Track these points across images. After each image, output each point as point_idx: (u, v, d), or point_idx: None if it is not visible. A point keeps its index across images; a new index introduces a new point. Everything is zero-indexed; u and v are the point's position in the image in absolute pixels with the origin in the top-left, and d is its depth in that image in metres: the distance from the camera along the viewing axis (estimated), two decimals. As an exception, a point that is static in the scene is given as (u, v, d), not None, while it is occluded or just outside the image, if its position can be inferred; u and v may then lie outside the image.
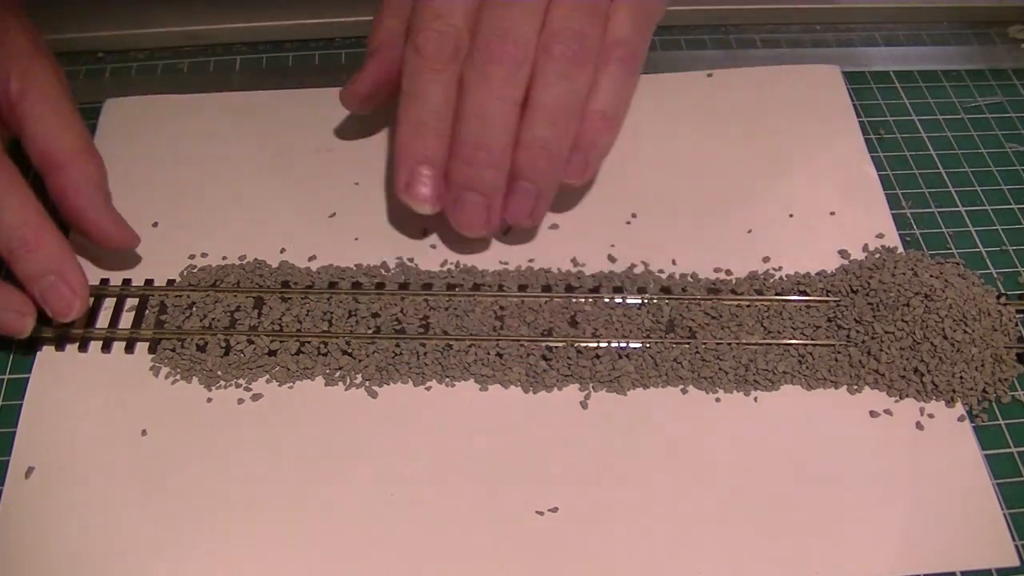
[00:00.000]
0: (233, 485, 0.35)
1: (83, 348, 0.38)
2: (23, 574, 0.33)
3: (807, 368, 0.38)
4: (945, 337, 0.37)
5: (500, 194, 0.38)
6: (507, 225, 0.41)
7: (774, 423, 0.37)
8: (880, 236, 0.43)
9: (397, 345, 0.38)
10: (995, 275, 0.42)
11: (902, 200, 0.45)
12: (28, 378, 0.37)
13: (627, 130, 0.47)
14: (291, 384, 0.38)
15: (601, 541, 0.34)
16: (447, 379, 0.38)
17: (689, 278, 0.41)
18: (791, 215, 0.44)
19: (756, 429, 0.37)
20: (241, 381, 0.37)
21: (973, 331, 0.37)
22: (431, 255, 0.42)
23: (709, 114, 0.48)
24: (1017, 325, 0.39)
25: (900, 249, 0.42)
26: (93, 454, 0.35)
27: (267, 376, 0.38)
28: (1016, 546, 0.34)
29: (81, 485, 0.35)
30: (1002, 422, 0.37)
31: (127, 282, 0.40)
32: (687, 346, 0.38)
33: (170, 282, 0.40)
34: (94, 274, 0.40)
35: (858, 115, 0.49)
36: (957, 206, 0.45)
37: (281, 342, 0.38)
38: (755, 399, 0.38)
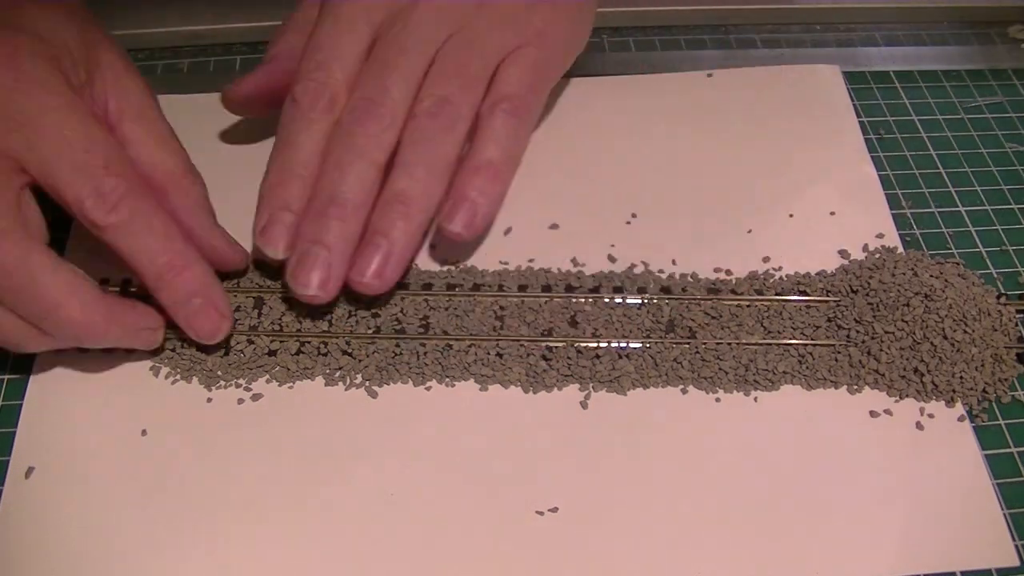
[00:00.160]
0: (233, 485, 0.35)
1: (83, 348, 0.38)
2: (23, 574, 0.33)
3: (807, 368, 0.38)
4: (945, 337, 0.37)
5: (344, 256, 0.36)
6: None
7: (774, 423, 0.37)
8: (880, 236, 0.43)
9: (397, 345, 0.38)
10: (995, 275, 0.42)
11: (902, 200, 0.45)
12: (28, 378, 0.37)
13: (627, 130, 0.47)
14: (291, 384, 0.38)
15: (601, 541, 0.34)
16: (447, 379, 0.38)
17: (689, 278, 0.41)
18: (791, 215, 0.44)
19: (756, 429, 0.37)
20: (241, 381, 0.37)
21: (973, 331, 0.37)
22: (431, 255, 0.42)
23: (709, 114, 0.48)
24: (1017, 325, 0.39)
25: (900, 249, 0.42)
26: (93, 454, 0.35)
27: (267, 376, 0.38)
28: (1016, 546, 0.34)
29: (81, 485, 0.35)
30: (1002, 422, 0.37)
31: (127, 282, 0.40)
32: (687, 346, 0.38)
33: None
34: (93, 274, 0.40)
35: (858, 115, 0.49)
36: (957, 206, 0.45)
37: (281, 342, 0.38)
38: (755, 399, 0.38)
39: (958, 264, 0.41)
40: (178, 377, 0.38)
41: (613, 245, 0.42)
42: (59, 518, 0.34)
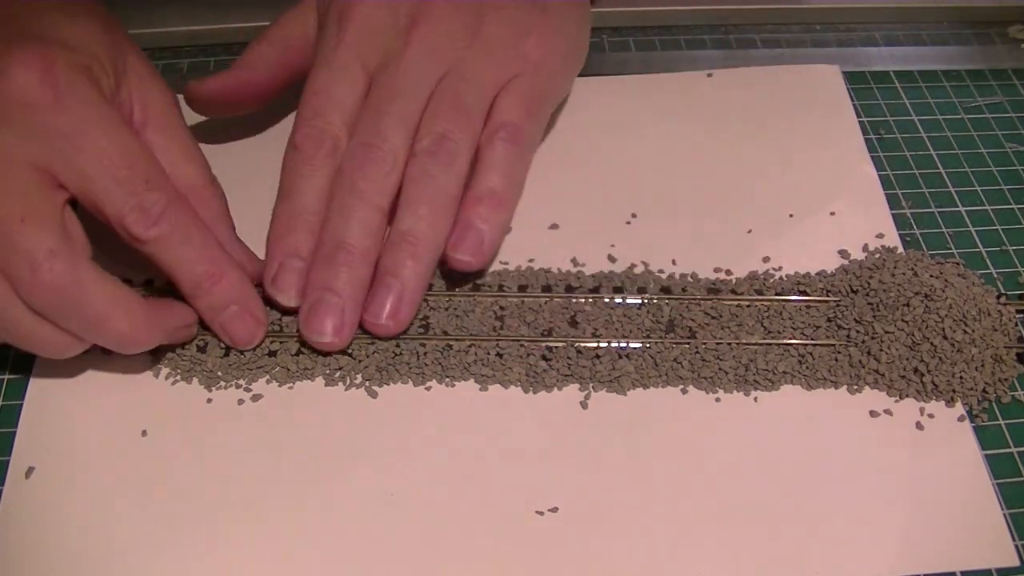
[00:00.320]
0: (233, 485, 0.35)
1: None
2: (23, 574, 0.33)
3: (807, 368, 0.38)
4: (945, 337, 0.37)
5: (356, 301, 0.37)
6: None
7: (774, 423, 0.37)
8: (880, 236, 0.43)
9: (397, 345, 0.38)
10: (995, 275, 0.42)
11: (902, 200, 0.45)
12: (28, 378, 0.37)
13: (627, 130, 0.47)
14: (291, 384, 0.38)
15: (601, 541, 0.34)
16: (447, 379, 0.38)
17: (689, 278, 0.41)
18: (791, 215, 0.44)
19: (756, 429, 0.37)
20: (241, 381, 0.38)
21: (973, 331, 0.37)
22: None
23: (709, 114, 0.48)
24: (1017, 325, 0.39)
25: (900, 249, 0.42)
26: (93, 454, 0.35)
27: (267, 376, 0.38)
28: (1016, 546, 0.34)
29: (81, 485, 0.35)
30: (1002, 422, 0.37)
31: (127, 282, 0.40)
32: (687, 346, 0.38)
33: (170, 283, 0.40)
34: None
35: (858, 115, 0.49)
36: (957, 206, 0.45)
37: (281, 342, 0.38)
38: (755, 399, 0.38)
39: (958, 264, 0.41)
40: (178, 377, 0.38)
41: (613, 245, 0.42)
42: (59, 518, 0.34)
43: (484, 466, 0.35)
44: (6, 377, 0.38)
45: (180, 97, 0.40)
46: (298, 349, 0.38)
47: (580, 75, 0.46)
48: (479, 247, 0.38)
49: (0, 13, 0.35)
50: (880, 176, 0.46)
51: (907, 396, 0.38)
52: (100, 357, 0.37)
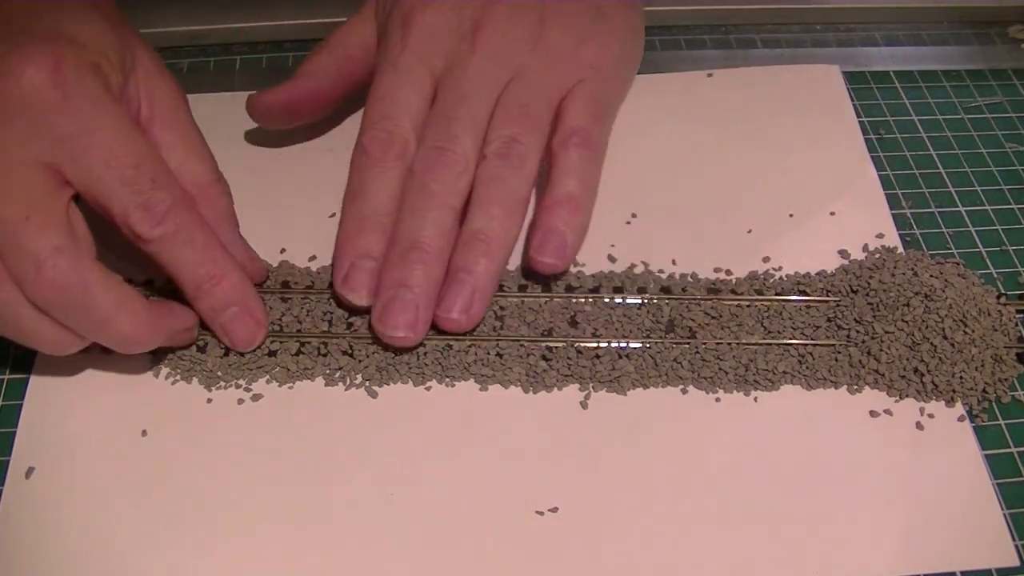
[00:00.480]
0: (233, 485, 0.35)
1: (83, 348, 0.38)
2: (23, 574, 0.33)
3: (807, 368, 0.38)
4: (945, 337, 0.37)
5: (430, 298, 0.37)
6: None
7: (774, 423, 0.37)
8: (880, 236, 0.43)
9: (411, 346, 0.38)
10: (995, 275, 0.42)
11: (902, 200, 0.45)
12: (28, 378, 0.37)
13: (627, 130, 0.47)
14: (291, 384, 0.38)
15: (601, 541, 0.34)
16: (447, 379, 0.38)
17: (689, 278, 0.41)
18: (791, 215, 0.44)
19: (756, 429, 0.37)
20: (241, 381, 0.38)
21: (973, 331, 0.37)
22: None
23: (709, 114, 0.48)
24: (1017, 325, 0.39)
25: (900, 249, 0.42)
26: (93, 454, 0.35)
27: (267, 376, 0.38)
28: (1016, 546, 0.34)
29: (81, 485, 0.35)
30: (1002, 422, 0.37)
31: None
32: (687, 346, 0.38)
33: (170, 282, 0.40)
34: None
35: (858, 115, 0.49)
36: (957, 206, 0.45)
37: (281, 343, 0.38)
38: (755, 399, 0.38)
39: (958, 264, 0.41)
40: (178, 377, 0.38)
41: (613, 245, 0.42)
42: (59, 518, 0.34)
43: (484, 466, 0.35)
44: (6, 377, 0.38)
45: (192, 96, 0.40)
46: (298, 349, 0.38)
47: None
48: (562, 249, 0.38)
49: (6, 9, 0.35)
50: (880, 176, 0.46)
51: (907, 396, 0.38)
52: (100, 357, 0.37)
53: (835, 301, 0.40)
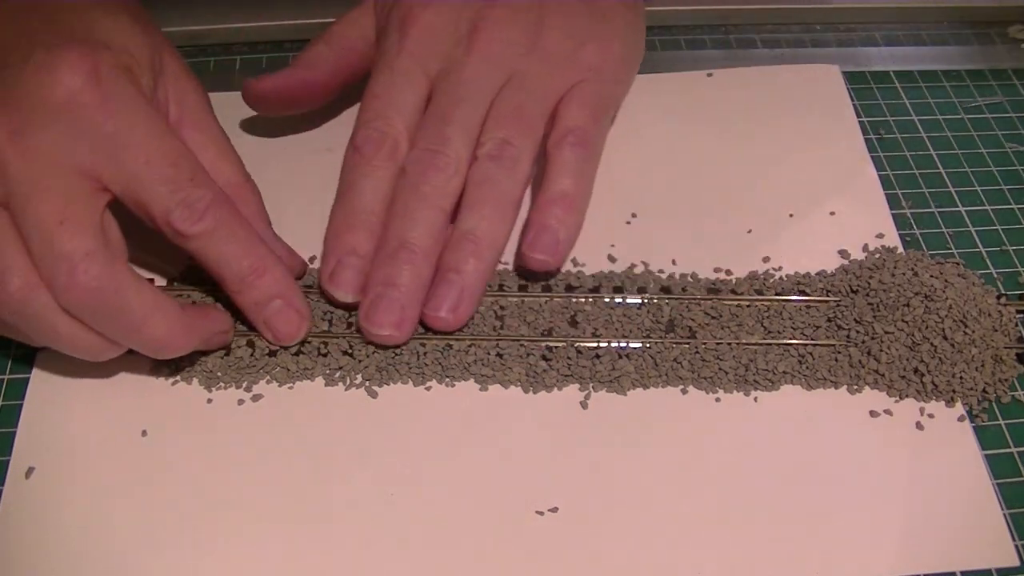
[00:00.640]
0: (233, 485, 0.35)
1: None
2: (23, 574, 0.33)
3: (807, 368, 0.38)
4: (945, 337, 0.37)
5: (416, 297, 0.37)
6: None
7: (774, 423, 0.37)
8: (880, 236, 0.43)
9: (397, 345, 0.38)
10: (995, 275, 0.42)
11: (902, 200, 0.45)
12: (28, 378, 0.37)
13: (627, 130, 0.47)
14: (291, 385, 0.38)
15: (601, 541, 0.34)
16: (447, 379, 0.38)
17: (689, 278, 0.41)
18: (791, 215, 0.44)
19: (756, 429, 0.37)
20: (241, 381, 0.37)
21: (973, 331, 0.37)
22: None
23: (709, 114, 0.48)
24: (1017, 325, 0.39)
25: (900, 249, 0.42)
26: (93, 454, 0.35)
27: (267, 376, 0.38)
28: (1016, 546, 0.34)
29: (81, 485, 0.35)
30: (1002, 422, 0.37)
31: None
32: (687, 346, 0.38)
33: (170, 282, 0.40)
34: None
35: (858, 115, 0.49)
36: (957, 206, 0.45)
37: (281, 342, 0.38)
38: (755, 399, 0.38)
39: (958, 264, 0.41)
40: (178, 378, 0.38)
41: (613, 245, 0.42)
42: (59, 518, 0.34)
43: (484, 466, 0.35)
44: (6, 377, 0.38)
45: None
46: (298, 350, 0.38)
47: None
48: (555, 246, 0.38)
49: (41, 13, 0.35)
50: (880, 176, 0.46)
51: (907, 396, 0.38)
52: (100, 357, 0.37)
53: (835, 301, 0.40)
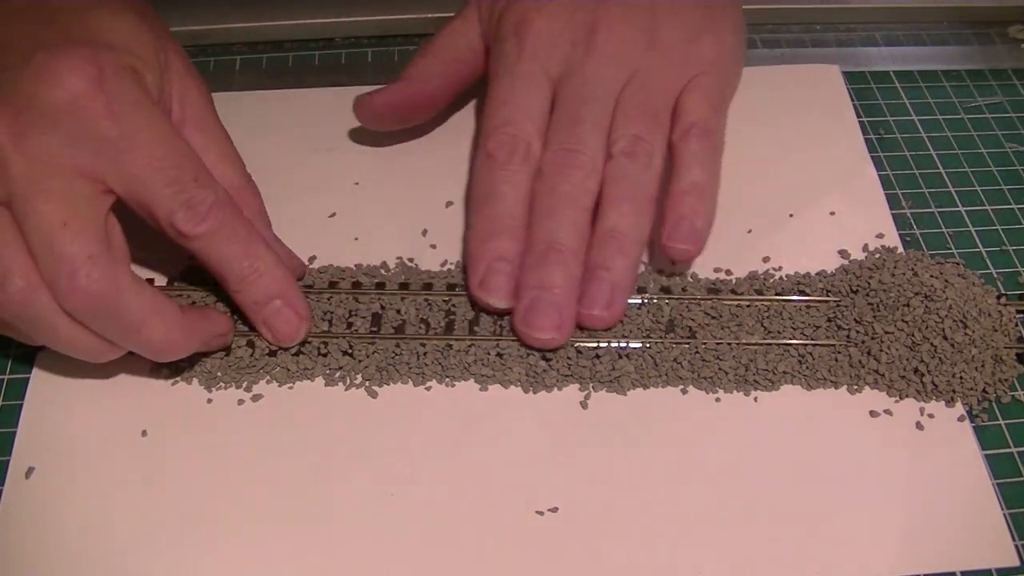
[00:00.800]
0: (233, 485, 0.35)
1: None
2: (23, 574, 0.33)
3: (807, 368, 0.38)
4: (945, 337, 0.37)
5: (571, 298, 0.37)
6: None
7: (774, 423, 0.37)
8: (880, 236, 0.43)
9: (397, 345, 0.38)
10: (995, 275, 0.42)
11: (902, 200, 0.45)
12: (28, 378, 0.37)
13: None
14: (291, 385, 0.38)
15: (601, 541, 0.34)
16: (447, 379, 0.38)
17: (689, 278, 0.41)
18: (791, 215, 0.44)
19: (756, 429, 0.37)
20: (241, 381, 0.37)
21: (973, 331, 0.37)
22: (431, 255, 0.42)
23: (709, 114, 0.48)
24: (1017, 325, 0.39)
25: (900, 249, 0.42)
26: (93, 454, 0.35)
27: (267, 376, 0.38)
28: (1016, 546, 0.34)
29: (81, 485, 0.35)
30: (1002, 422, 0.37)
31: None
32: (687, 346, 0.38)
33: (170, 282, 0.40)
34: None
35: (858, 115, 0.49)
36: (957, 206, 0.45)
37: (281, 342, 0.38)
38: (755, 399, 0.38)
39: (958, 264, 0.41)
40: (178, 378, 0.38)
41: (613, 245, 0.42)
42: (59, 518, 0.34)
43: (484, 466, 0.35)
44: (6, 377, 0.38)
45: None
46: (298, 350, 0.38)
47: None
48: (694, 235, 0.39)
49: (43, 12, 0.35)
50: (880, 176, 0.46)
51: (907, 396, 0.38)
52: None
53: (835, 301, 0.40)
